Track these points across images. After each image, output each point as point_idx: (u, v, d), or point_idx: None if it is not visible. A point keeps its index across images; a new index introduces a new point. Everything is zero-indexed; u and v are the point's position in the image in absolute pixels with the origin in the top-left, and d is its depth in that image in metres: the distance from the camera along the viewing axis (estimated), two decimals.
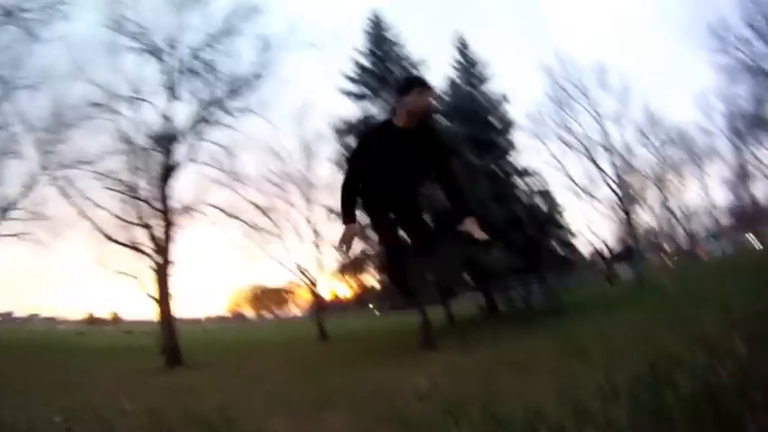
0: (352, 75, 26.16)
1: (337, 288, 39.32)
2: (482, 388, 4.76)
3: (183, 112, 24.77)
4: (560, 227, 29.25)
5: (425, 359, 12.27)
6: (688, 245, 53.50)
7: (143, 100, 24.33)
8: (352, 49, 26.48)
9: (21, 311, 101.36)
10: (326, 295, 39.79)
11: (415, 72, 25.51)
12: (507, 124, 30.17)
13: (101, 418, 6.87)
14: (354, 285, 28.69)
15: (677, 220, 47.74)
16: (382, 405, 6.16)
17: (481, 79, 30.71)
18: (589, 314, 16.00)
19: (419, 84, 3.41)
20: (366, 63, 26.26)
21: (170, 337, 22.86)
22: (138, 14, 23.22)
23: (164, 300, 23.15)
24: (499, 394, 4.96)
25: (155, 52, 23.86)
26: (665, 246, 54.38)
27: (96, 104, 24.03)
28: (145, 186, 24.89)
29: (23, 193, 26.27)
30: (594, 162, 33.41)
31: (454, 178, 3.57)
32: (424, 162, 3.49)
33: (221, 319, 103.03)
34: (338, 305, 68.88)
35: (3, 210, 26.20)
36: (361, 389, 8.95)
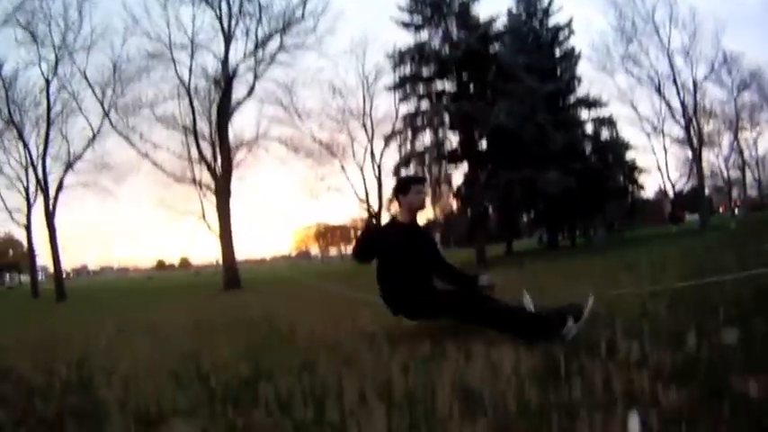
0: (405, 5, 25.33)
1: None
2: (521, 286, 4.47)
3: (239, 54, 24.86)
4: (625, 161, 27.91)
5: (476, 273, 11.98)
6: (757, 192, 50.09)
7: (199, 46, 24.74)
8: None
9: (94, 264, 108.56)
10: None
11: (472, 3, 24.56)
12: (570, 55, 28.65)
13: (149, 327, 7.10)
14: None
15: (747, 166, 44.28)
16: None
17: (542, 9, 29.14)
18: (647, 246, 15.22)
19: (415, 182, 4.04)
20: None
21: (230, 267, 23.71)
22: None
23: (226, 234, 23.86)
24: (535, 292, 4.65)
25: (208, 0, 24.03)
26: (734, 192, 50.82)
27: (154, 56, 24.76)
28: (205, 125, 25.57)
29: (88, 146, 27.93)
30: (664, 98, 31.20)
31: (449, 264, 4.10)
32: (425, 252, 3.98)
33: (287, 258, 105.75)
34: None
35: (70, 163, 27.80)
36: None
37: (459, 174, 25.31)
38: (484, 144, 24.66)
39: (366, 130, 30.20)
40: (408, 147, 24.89)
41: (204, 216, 25.75)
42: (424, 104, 24.72)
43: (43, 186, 27.55)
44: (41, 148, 27.66)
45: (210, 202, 24.91)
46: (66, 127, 28.54)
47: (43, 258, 39.17)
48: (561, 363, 2.35)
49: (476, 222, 24.69)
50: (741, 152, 41.54)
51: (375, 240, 3.93)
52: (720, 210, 51.55)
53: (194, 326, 6.78)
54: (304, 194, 29.85)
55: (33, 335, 7.63)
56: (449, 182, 25.03)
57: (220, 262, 26.00)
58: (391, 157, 27.94)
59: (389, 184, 29.21)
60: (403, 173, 24.67)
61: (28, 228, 30.05)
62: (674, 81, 30.74)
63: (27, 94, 27.73)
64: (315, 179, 29.85)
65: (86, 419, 2.42)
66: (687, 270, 5.93)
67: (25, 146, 28.08)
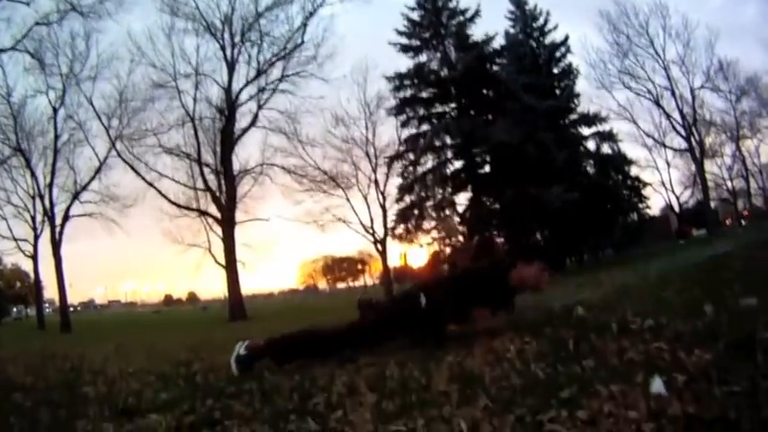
0: (404, 29, 25.59)
1: (408, 255, 38.70)
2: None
3: (242, 82, 25.01)
4: (628, 176, 27.80)
5: None
6: (763, 201, 49.45)
7: (203, 75, 24.96)
8: (402, 5, 25.85)
9: (101, 298, 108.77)
10: (397, 262, 39.23)
11: (468, 23, 24.87)
12: (568, 72, 28.80)
13: (148, 344, 6.99)
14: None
15: (751, 174, 43.82)
16: None
17: (538, 28, 29.40)
18: (656, 259, 15.05)
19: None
20: (416, 17, 25.64)
21: (236, 299, 23.53)
22: None
23: (231, 264, 23.75)
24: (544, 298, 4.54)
25: (211, 30, 24.42)
26: (739, 202, 50.07)
27: (159, 85, 24.87)
28: (209, 156, 25.59)
29: (94, 176, 27.88)
30: (663, 110, 31.28)
31: None
32: None
33: (293, 291, 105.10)
34: (411, 273, 68.76)
35: (76, 193, 27.91)
36: None
37: (463, 197, 25.19)
38: (486, 167, 24.59)
39: (369, 157, 30.11)
40: (411, 170, 24.82)
41: (210, 248, 25.67)
42: (425, 126, 24.76)
43: (50, 216, 27.33)
44: (48, 177, 27.42)
45: (216, 234, 24.87)
46: (72, 156, 28.38)
47: (50, 292, 38.99)
48: (570, 343, 2.19)
49: (482, 247, 24.36)
50: (744, 161, 41.13)
51: None
52: (727, 222, 50.69)
53: (192, 344, 6.63)
54: (310, 226, 29.44)
55: (33, 352, 7.66)
56: (453, 206, 24.89)
57: (227, 296, 25.80)
58: (395, 182, 27.78)
59: (394, 210, 29.10)
60: (406, 198, 24.54)
61: (35, 258, 29.59)
62: (672, 92, 30.84)
63: (35, 123, 27.69)
64: (320, 210, 29.67)
65: (62, 409, 2.36)
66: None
67: (33, 175, 27.87)
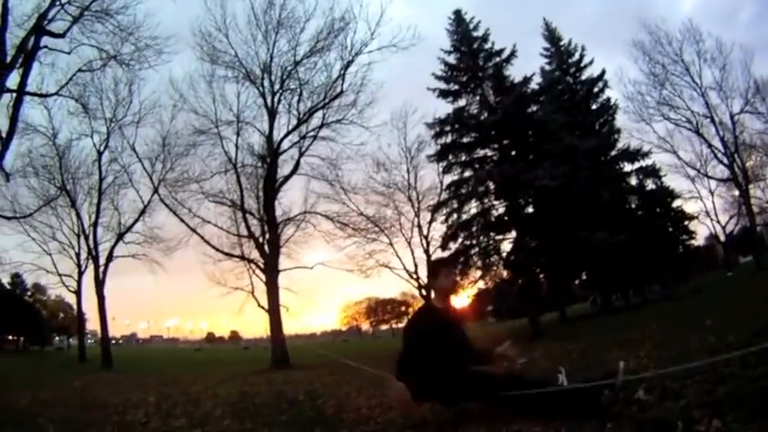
0: (441, 73, 25.86)
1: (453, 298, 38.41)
2: (580, 359, 4.19)
3: (283, 129, 25.14)
4: (673, 210, 27.08)
5: (530, 346, 11.49)
6: None
7: (245, 122, 25.29)
8: (438, 49, 26.18)
9: (143, 332, 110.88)
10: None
11: (505, 65, 24.96)
12: (606, 107, 28.50)
13: (190, 398, 6.97)
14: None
15: None
16: None
17: (574, 64, 29.31)
18: (705, 296, 14.38)
19: (443, 265, 4.23)
20: (452, 60, 25.91)
21: (279, 344, 23.50)
22: (231, 46, 24.27)
23: (274, 311, 23.79)
24: (597, 363, 4.38)
25: (251, 78, 24.81)
26: None
27: (201, 132, 25.26)
28: (252, 201, 25.89)
29: (138, 218, 28.86)
30: (704, 138, 30.42)
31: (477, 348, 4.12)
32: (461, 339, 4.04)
33: (336, 333, 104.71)
34: (455, 313, 67.64)
35: (121, 234, 28.80)
36: None
37: (507, 242, 24.82)
38: (530, 208, 24.29)
39: (412, 202, 30.12)
40: (455, 217, 24.66)
41: (253, 291, 25.78)
42: (468, 172, 24.65)
43: (94, 255, 28.30)
44: (93, 217, 28.65)
45: (260, 278, 25.01)
46: (117, 198, 29.54)
47: (93, 323, 40.10)
48: None
49: (527, 291, 23.98)
50: None
51: (415, 340, 3.96)
52: None
53: (235, 402, 6.60)
54: (353, 270, 29.40)
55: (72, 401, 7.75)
56: (497, 251, 24.55)
57: (269, 336, 25.76)
58: (439, 228, 27.62)
59: (438, 255, 28.80)
60: (451, 245, 24.30)
61: (78, 293, 30.65)
62: (712, 119, 29.96)
63: (80, 164, 29.09)
64: (363, 255, 29.68)
65: None
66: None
67: (77, 214, 29.09)
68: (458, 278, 3.97)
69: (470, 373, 3.77)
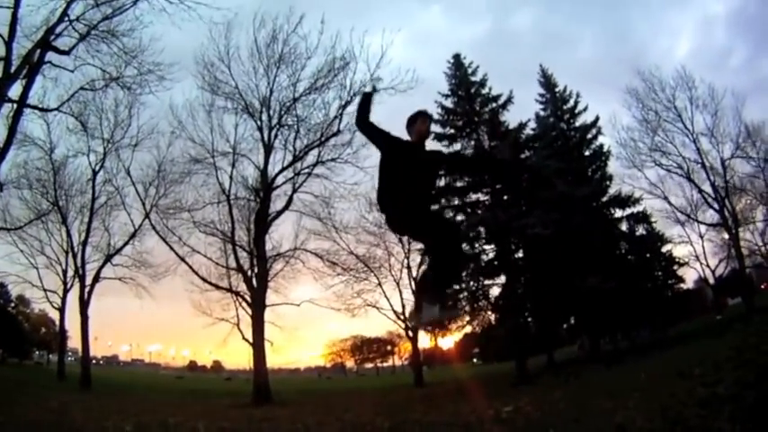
0: (438, 116, 26.19)
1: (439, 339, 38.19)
2: (567, 409, 4.16)
3: (278, 165, 25.21)
4: (662, 255, 27.49)
5: (516, 393, 11.35)
6: None
7: (240, 154, 25.35)
8: (436, 92, 26.66)
9: (125, 355, 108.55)
10: (427, 344, 38.51)
11: (501, 110, 25.43)
12: (599, 153, 28.91)
13: (168, 430, 6.82)
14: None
15: None
16: (456, 429, 5.68)
17: (568, 110, 29.84)
18: (694, 342, 14.33)
19: (421, 115, 4.55)
20: (449, 104, 26.35)
21: (261, 378, 23.11)
22: (232, 77, 24.44)
23: (259, 345, 23.48)
24: (584, 414, 4.36)
25: (249, 110, 24.97)
26: None
27: (197, 160, 25.22)
28: (243, 233, 25.88)
29: (128, 242, 28.68)
30: (695, 184, 30.77)
31: (465, 156, 4.61)
32: (435, 165, 4.60)
33: (321, 369, 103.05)
34: (440, 356, 67.15)
35: (109, 255, 28.54)
36: (438, 418, 8.36)
37: (496, 286, 24.83)
38: (520, 253, 24.38)
39: (402, 243, 30.22)
40: None
41: (238, 324, 25.56)
42: (459, 216, 24.75)
43: (81, 274, 27.98)
44: (83, 236, 28.33)
45: (246, 311, 24.76)
46: (108, 219, 29.25)
47: (74, 341, 39.32)
48: None
49: (515, 335, 23.87)
50: None
51: (384, 132, 4.35)
52: (762, 287, 48.46)
53: None
54: (340, 309, 29.33)
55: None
56: (486, 296, 24.54)
57: (252, 368, 25.40)
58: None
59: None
60: None
61: (62, 310, 30.29)
62: (703, 164, 30.28)
63: (74, 182, 28.54)
64: (351, 294, 29.57)
65: None
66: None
67: (68, 231, 28.73)
68: (431, 125, 4.16)
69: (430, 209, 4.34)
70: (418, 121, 4.50)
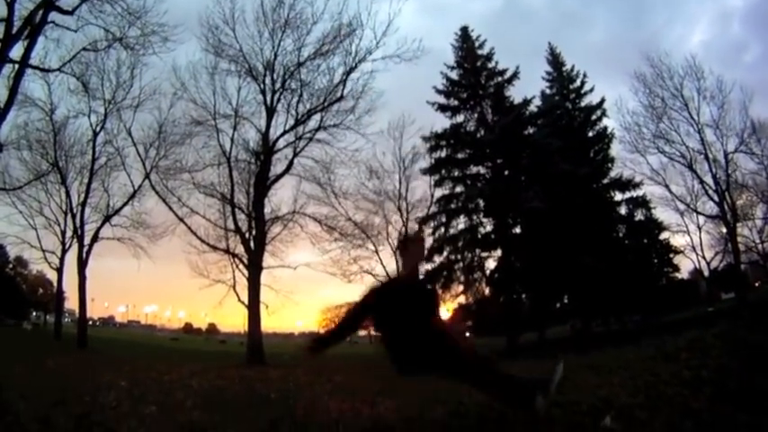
0: (442, 88, 26.07)
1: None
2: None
3: (280, 128, 25.26)
4: (659, 242, 27.57)
5: (504, 365, 11.49)
6: None
7: (243, 117, 25.33)
8: (442, 63, 26.50)
9: (121, 316, 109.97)
10: None
11: (506, 85, 25.23)
12: (603, 135, 28.81)
13: (163, 386, 6.94)
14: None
15: None
16: (439, 393, 5.80)
17: (574, 90, 29.63)
18: (684, 330, 14.46)
19: (411, 242, 4.09)
20: (455, 76, 26.15)
21: (256, 340, 23.42)
22: (236, 40, 24.35)
23: (254, 307, 23.70)
24: (569, 389, 4.48)
25: (253, 74, 24.89)
26: None
27: (198, 122, 25.30)
28: (242, 196, 25.84)
29: (127, 202, 28.77)
30: (696, 174, 30.74)
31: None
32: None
33: (314, 334, 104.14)
34: None
35: (108, 216, 28.64)
36: (424, 384, 8.49)
37: (492, 259, 24.98)
38: (518, 228, 24.48)
39: (401, 212, 30.14)
40: (442, 231, 24.78)
41: (234, 286, 25.70)
42: (459, 188, 24.81)
43: (79, 234, 28.25)
44: (82, 196, 28.59)
45: (242, 273, 24.94)
46: (108, 180, 29.35)
47: (72, 302, 39.69)
48: None
49: (508, 309, 24.13)
50: None
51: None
52: (756, 284, 48.90)
53: (208, 396, 6.57)
54: (336, 275, 29.41)
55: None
56: (481, 267, 24.68)
57: (246, 332, 25.67)
58: (425, 240, 27.66)
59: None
60: (436, 258, 24.39)
61: (59, 271, 30.57)
62: (706, 156, 30.24)
63: (75, 142, 29.02)
64: (347, 260, 29.67)
65: None
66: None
67: (67, 192, 28.97)
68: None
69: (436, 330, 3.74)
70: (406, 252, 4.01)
